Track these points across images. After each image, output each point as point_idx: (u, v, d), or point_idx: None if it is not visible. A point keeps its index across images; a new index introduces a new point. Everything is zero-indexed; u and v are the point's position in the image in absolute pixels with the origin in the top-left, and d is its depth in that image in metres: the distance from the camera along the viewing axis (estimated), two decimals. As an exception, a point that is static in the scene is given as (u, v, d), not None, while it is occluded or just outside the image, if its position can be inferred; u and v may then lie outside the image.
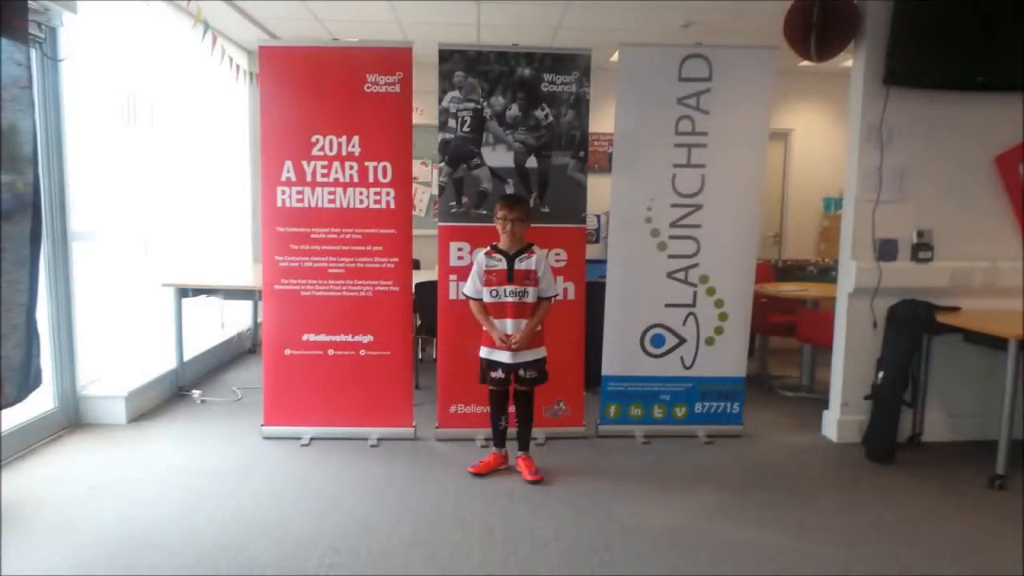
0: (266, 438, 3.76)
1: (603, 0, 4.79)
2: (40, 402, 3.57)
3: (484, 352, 3.32)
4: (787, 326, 5.00)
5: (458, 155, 3.70)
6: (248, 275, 5.32)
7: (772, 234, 7.36)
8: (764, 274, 5.67)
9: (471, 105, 3.67)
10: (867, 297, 3.80)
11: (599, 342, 3.88)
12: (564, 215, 3.76)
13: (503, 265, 3.26)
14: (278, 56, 3.66)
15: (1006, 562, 2.64)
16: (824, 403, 4.09)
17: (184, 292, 4.59)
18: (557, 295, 3.50)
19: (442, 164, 3.73)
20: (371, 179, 3.68)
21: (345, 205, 3.69)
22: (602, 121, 5.17)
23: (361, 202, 3.70)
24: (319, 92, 3.64)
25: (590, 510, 2.97)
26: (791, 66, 5.89)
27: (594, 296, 3.87)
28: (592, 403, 3.95)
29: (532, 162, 3.72)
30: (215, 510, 2.91)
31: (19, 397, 2.95)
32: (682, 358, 3.91)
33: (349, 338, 3.75)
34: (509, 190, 3.68)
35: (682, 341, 3.90)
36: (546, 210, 3.73)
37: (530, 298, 3.25)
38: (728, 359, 3.93)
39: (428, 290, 4.16)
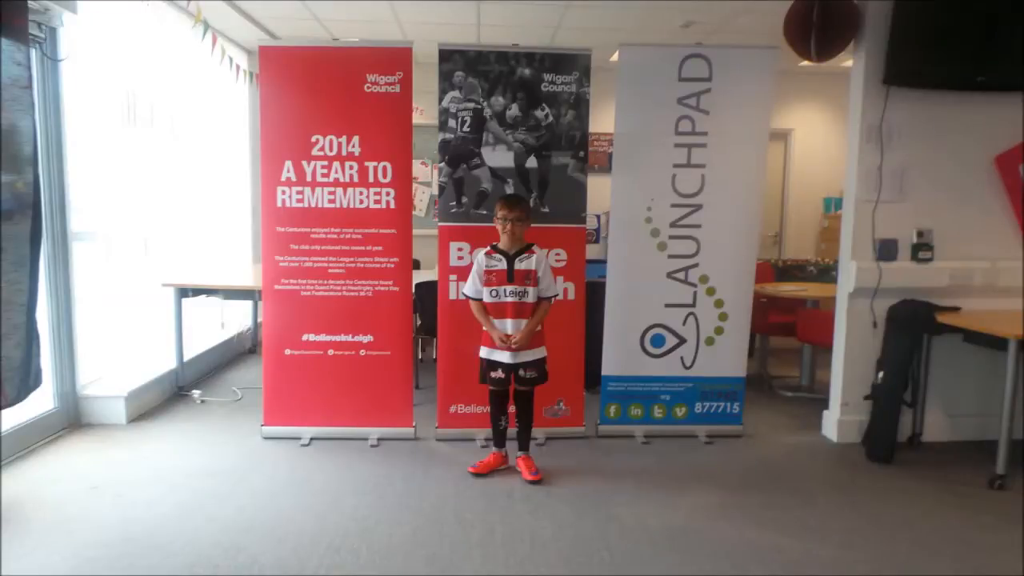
0: (266, 438, 3.76)
1: (603, 0, 4.79)
2: (40, 402, 3.57)
3: (484, 352, 3.32)
4: (787, 326, 5.00)
5: (458, 155, 3.70)
6: (248, 275, 5.32)
7: (772, 234, 7.36)
8: (764, 274, 5.67)
9: (471, 105, 3.67)
10: (867, 297, 3.80)
11: (599, 342, 3.88)
12: (564, 215, 3.76)
13: (503, 265, 3.26)
14: (278, 56, 3.66)
15: (1006, 562, 2.64)
16: (824, 403, 4.09)
17: (184, 292, 4.59)
18: (557, 295, 3.50)
19: (442, 164, 3.73)
20: (371, 179, 3.68)
21: (345, 205, 3.69)
22: (602, 121, 5.17)
23: (361, 202, 3.70)
24: (319, 92, 3.63)
25: (590, 510, 2.97)
26: (791, 66, 5.90)
27: (594, 296, 3.87)
28: (592, 403, 3.95)
29: (532, 162, 3.72)
30: (215, 510, 2.91)
31: (19, 397, 2.95)
32: (682, 358, 3.91)
33: (349, 338, 3.75)
34: (509, 190, 3.68)
35: (682, 341, 3.90)
36: (546, 210, 3.73)
37: (530, 298, 3.25)
38: (728, 359, 3.93)
39: (428, 290, 4.16)
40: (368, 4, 4.95)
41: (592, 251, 4.34)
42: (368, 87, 3.64)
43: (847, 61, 3.87)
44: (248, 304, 5.80)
